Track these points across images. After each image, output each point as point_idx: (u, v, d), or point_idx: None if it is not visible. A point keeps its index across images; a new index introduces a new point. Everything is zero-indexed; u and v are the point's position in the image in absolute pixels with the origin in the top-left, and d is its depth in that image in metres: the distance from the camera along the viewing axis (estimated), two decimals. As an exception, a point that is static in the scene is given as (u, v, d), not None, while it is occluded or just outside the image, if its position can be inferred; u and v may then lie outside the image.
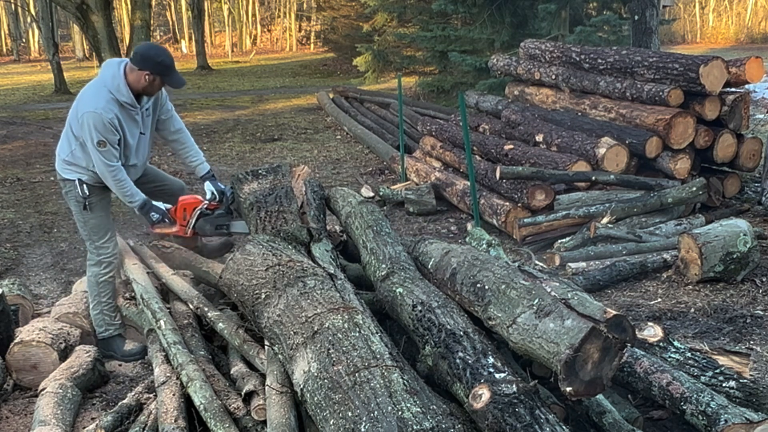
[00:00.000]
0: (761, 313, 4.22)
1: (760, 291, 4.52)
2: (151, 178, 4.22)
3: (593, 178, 5.73)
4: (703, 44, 25.04)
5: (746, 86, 6.46)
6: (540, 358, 2.52)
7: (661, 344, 3.24)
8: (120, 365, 3.94)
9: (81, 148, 3.77)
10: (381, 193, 7.08)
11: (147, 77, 3.69)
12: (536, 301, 2.61)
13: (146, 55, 3.70)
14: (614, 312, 2.43)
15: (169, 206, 4.06)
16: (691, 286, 4.65)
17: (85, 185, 3.84)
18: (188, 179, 6.84)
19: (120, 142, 3.73)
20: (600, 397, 2.85)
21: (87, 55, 28.29)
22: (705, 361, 3.14)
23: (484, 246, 4.50)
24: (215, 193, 4.18)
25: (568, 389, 2.39)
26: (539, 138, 6.63)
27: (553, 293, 2.61)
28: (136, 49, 3.75)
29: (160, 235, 4.37)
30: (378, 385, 2.29)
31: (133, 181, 4.01)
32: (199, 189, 5.73)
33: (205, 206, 4.11)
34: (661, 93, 6.08)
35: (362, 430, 2.16)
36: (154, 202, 3.97)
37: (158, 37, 35.11)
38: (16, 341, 3.68)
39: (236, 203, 4.29)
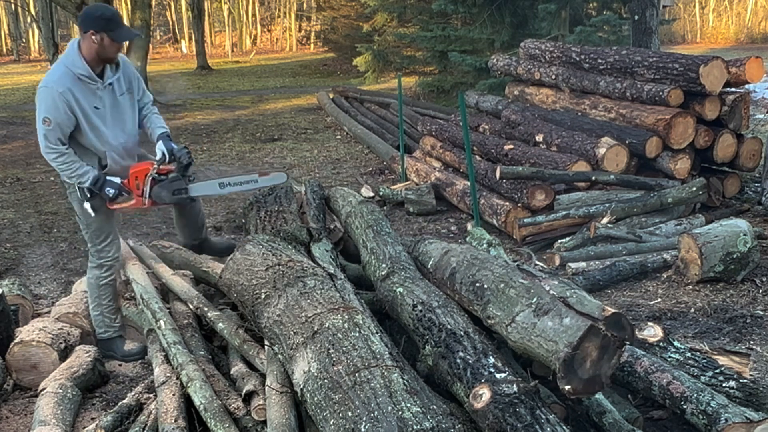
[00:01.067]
0: (761, 313, 4.21)
1: (760, 291, 4.52)
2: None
3: (593, 178, 5.73)
4: (703, 44, 25.04)
5: (746, 86, 6.46)
6: (539, 357, 2.52)
7: (661, 344, 3.24)
8: (120, 365, 3.93)
9: (75, 146, 3.62)
10: (381, 193, 7.08)
11: (93, 38, 3.42)
12: (535, 299, 2.61)
13: (86, 15, 3.50)
14: (613, 310, 2.43)
15: (121, 179, 3.73)
16: (691, 286, 4.65)
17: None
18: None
19: (81, 120, 3.50)
20: (600, 396, 2.86)
21: (87, 55, 28.25)
22: (705, 361, 3.14)
23: (485, 246, 4.50)
24: (165, 153, 3.77)
25: (567, 387, 2.39)
26: (539, 138, 6.63)
27: (551, 292, 2.61)
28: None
29: (121, 211, 3.99)
30: (378, 385, 2.29)
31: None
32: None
33: (155, 170, 3.75)
34: (661, 93, 6.08)
35: (362, 430, 2.16)
36: (108, 177, 3.66)
37: (158, 37, 35.13)
38: (16, 341, 3.67)
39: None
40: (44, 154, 3.55)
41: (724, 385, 2.97)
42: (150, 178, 3.73)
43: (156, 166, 3.75)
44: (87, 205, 3.68)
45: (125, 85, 3.68)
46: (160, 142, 3.82)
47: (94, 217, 3.73)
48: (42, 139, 3.50)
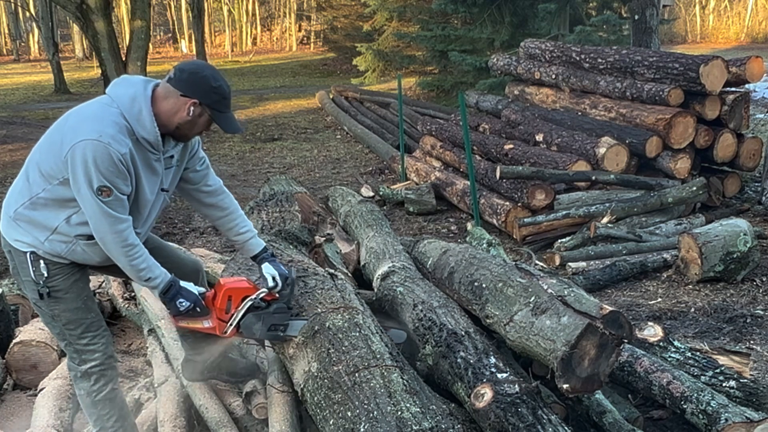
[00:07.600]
0: (761, 312, 4.21)
1: (760, 291, 4.52)
2: (154, 252, 2.66)
3: (593, 177, 5.73)
4: (704, 44, 25.00)
5: (746, 86, 6.46)
6: (537, 356, 2.52)
7: (661, 344, 3.24)
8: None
9: (51, 200, 2.44)
10: (381, 193, 7.08)
11: (192, 108, 2.44)
12: (533, 298, 2.62)
13: (197, 76, 2.45)
14: (610, 308, 2.43)
15: (202, 290, 2.76)
16: (691, 286, 4.65)
17: (42, 261, 2.49)
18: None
19: (130, 197, 2.46)
20: (600, 396, 2.85)
21: (87, 55, 28.28)
22: (705, 360, 3.14)
23: (485, 245, 4.50)
24: (277, 279, 2.77)
25: (565, 386, 2.39)
26: (539, 138, 6.62)
27: (549, 290, 2.62)
28: (180, 65, 2.51)
29: (185, 329, 2.97)
30: (377, 385, 2.29)
31: None
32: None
33: (262, 295, 2.75)
34: (661, 92, 6.08)
35: (361, 430, 2.16)
36: (183, 283, 2.64)
37: (158, 37, 35.12)
38: (16, 341, 3.68)
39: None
40: (106, 235, 2.41)
41: (724, 384, 2.97)
42: (249, 304, 2.74)
43: (264, 290, 2.77)
44: (45, 294, 2.53)
45: (177, 156, 2.66)
46: (267, 265, 2.81)
47: (60, 306, 2.56)
48: (101, 218, 2.37)
